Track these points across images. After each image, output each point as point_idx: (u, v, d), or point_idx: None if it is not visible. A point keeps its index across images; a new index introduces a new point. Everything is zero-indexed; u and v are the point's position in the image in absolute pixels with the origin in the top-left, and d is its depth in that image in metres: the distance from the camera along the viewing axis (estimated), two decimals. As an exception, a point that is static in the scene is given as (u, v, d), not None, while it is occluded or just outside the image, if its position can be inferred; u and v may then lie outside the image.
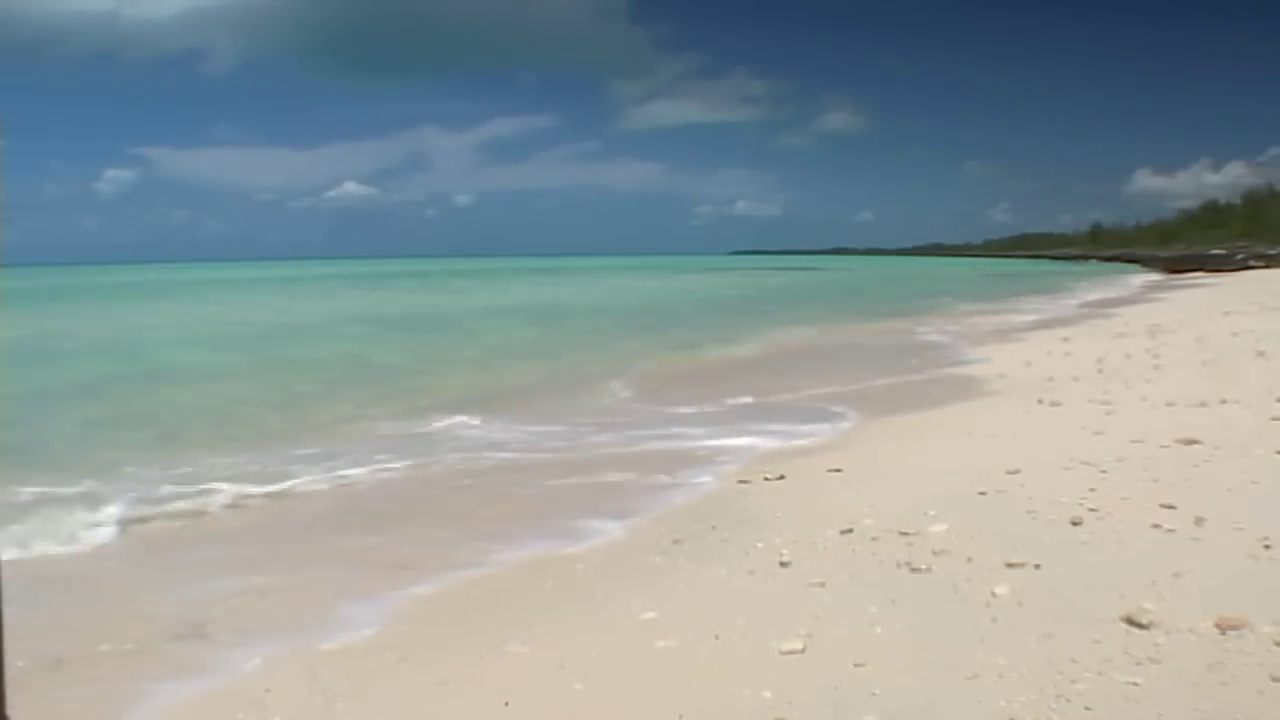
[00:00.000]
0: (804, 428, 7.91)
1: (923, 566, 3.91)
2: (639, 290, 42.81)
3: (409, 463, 7.00)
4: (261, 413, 9.66)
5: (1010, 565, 3.82)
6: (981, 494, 4.97)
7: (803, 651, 3.19)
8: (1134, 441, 5.98)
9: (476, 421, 8.63)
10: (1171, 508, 4.40)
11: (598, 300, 34.49)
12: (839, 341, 16.81)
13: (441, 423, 8.61)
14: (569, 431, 8.14)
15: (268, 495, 6.12)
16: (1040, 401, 8.20)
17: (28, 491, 6.01)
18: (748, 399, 9.69)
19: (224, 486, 6.19)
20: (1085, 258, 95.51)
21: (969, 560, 3.93)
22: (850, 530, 4.51)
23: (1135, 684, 2.76)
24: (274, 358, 15.25)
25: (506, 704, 3.00)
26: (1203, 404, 7.20)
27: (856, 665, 3.05)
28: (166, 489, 6.18)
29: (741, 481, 5.91)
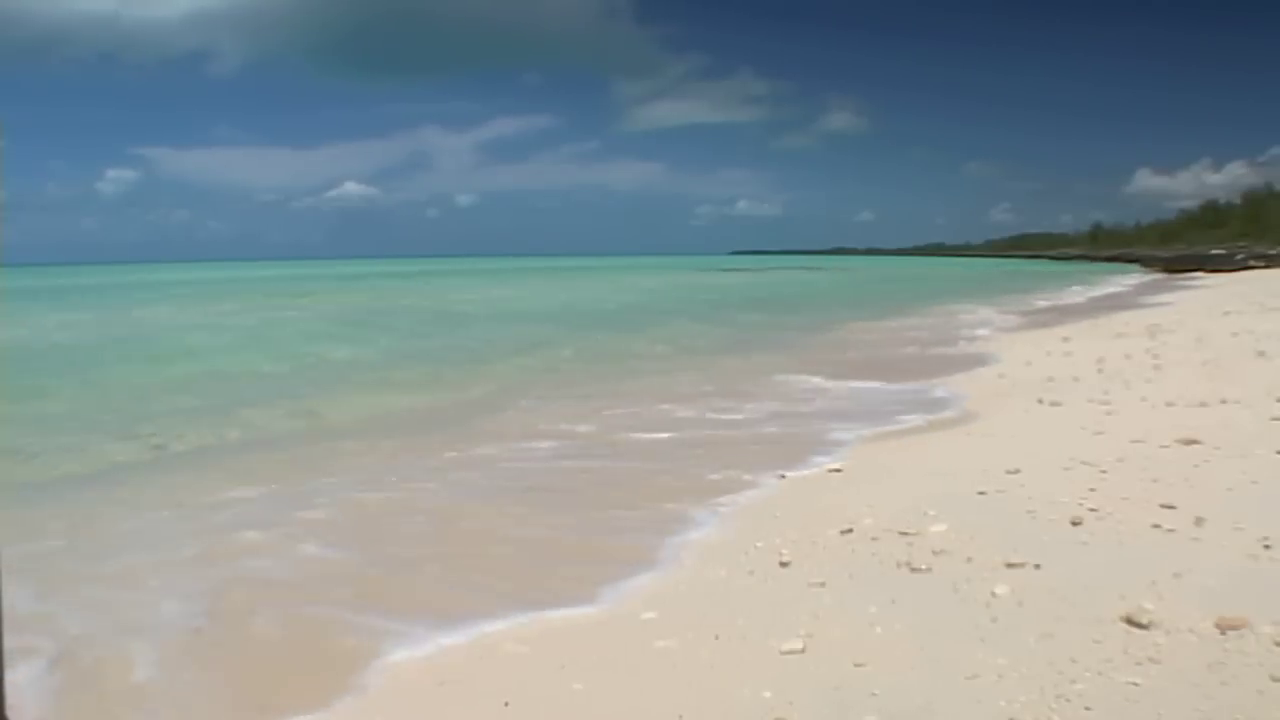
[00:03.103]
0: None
1: (923, 566, 3.91)
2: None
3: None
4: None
5: (1010, 565, 3.82)
6: (981, 494, 4.97)
7: (803, 651, 3.19)
8: (1134, 441, 5.98)
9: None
10: (1171, 508, 4.40)
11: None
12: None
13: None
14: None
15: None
16: (1040, 401, 8.19)
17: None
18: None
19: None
20: (1085, 258, 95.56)
21: (969, 560, 3.93)
22: (850, 530, 4.51)
23: (1135, 684, 2.76)
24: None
25: (506, 704, 3.00)
26: (1203, 404, 7.20)
27: (856, 665, 3.05)
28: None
29: (740, 482, 5.90)
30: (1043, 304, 25.79)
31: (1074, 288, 34.75)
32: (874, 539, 4.35)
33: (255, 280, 58.91)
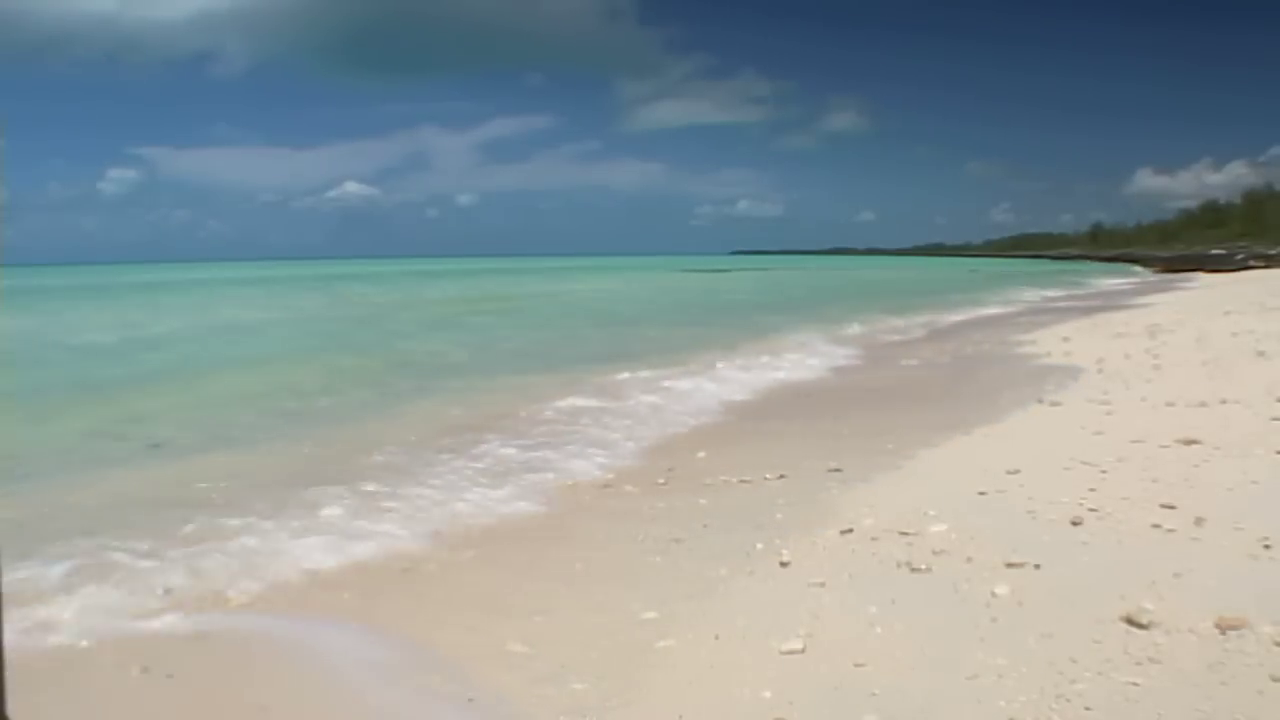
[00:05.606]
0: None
1: (923, 566, 3.91)
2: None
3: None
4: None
5: (1010, 565, 3.82)
6: (981, 494, 4.97)
7: (803, 651, 3.19)
8: (1134, 441, 5.98)
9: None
10: (1171, 508, 4.40)
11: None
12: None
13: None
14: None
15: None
16: (1040, 401, 8.20)
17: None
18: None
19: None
20: (1084, 257, 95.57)
21: (969, 560, 3.93)
22: (850, 530, 4.51)
23: (1135, 684, 2.76)
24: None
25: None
26: (1203, 404, 7.19)
27: (856, 665, 3.05)
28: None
29: (743, 481, 5.91)
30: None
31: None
32: (874, 539, 4.35)
33: (325, 278, 60.20)
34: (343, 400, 10.10)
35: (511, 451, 7.04)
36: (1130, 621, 3.15)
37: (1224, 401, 7.22)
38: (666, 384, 10.27)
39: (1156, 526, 4.17)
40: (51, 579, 4.23)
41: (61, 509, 5.59)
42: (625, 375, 10.89)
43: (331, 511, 5.38)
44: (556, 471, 6.45)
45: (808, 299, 31.53)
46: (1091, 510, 4.48)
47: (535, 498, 5.80)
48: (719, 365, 11.77)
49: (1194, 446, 5.71)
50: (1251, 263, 47.53)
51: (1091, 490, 4.85)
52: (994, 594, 3.53)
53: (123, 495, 5.95)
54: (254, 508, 5.41)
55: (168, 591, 4.16)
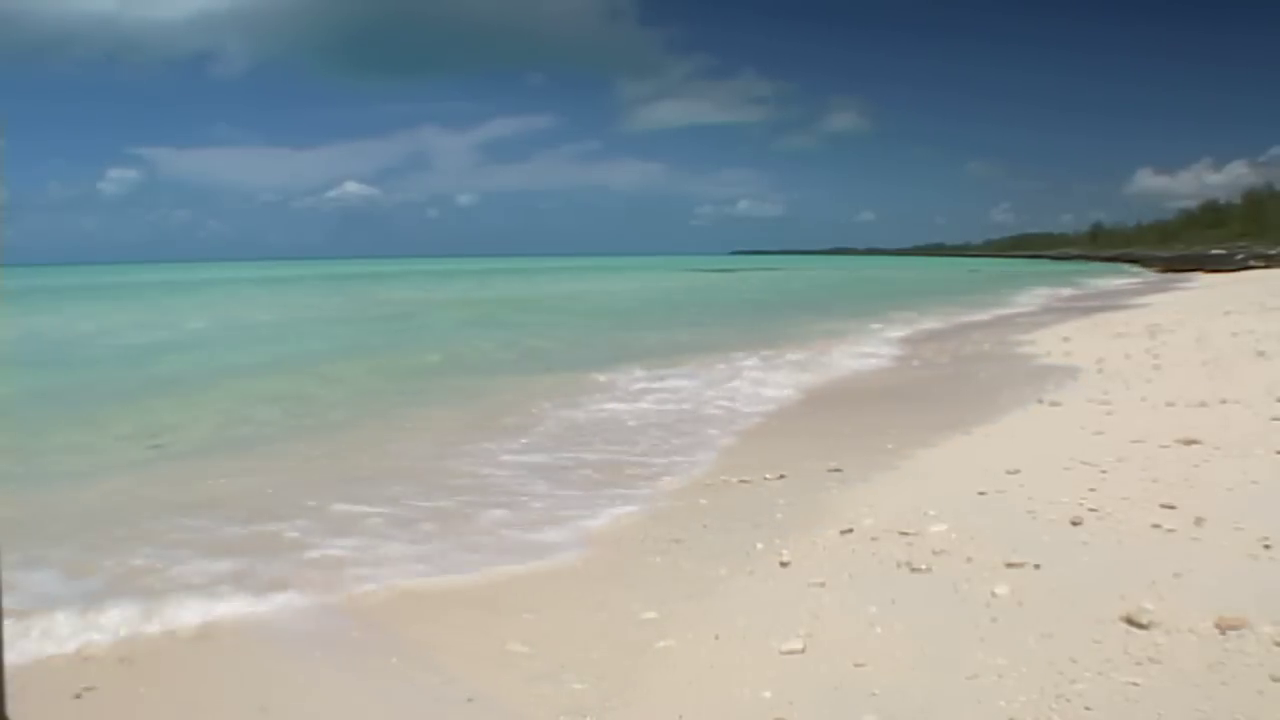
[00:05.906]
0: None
1: (923, 566, 3.91)
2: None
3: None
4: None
5: (1010, 565, 3.82)
6: (981, 494, 4.96)
7: (803, 651, 3.19)
8: (1134, 441, 5.98)
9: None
10: (1171, 508, 4.40)
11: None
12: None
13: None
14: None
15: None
16: (1040, 401, 8.19)
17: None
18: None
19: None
20: (1084, 257, 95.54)
21: (969, 560, 3.93)
22: (850, 530, 4.51)
23: (1135, 684, 2.75)
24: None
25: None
26: (1203, 404, 7.19)
27: (856, 665, 3.05)
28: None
29: (743, 481, 5.91)
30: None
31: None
32: (874, 539, 4.35)
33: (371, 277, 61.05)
34: (355, 404, 10.14)
35: (518, 454, 7.05)
36: (1130, 621, 3.15)
37: (1224, 401, 7.22)
38: (673, 385, 10.40)
39: (1156, 526, 4.17)
40: (53, 578, 4.23)
41: (72, 509, 5.62)
42: (639, 373, 11.13)
43: (334, 512, 5.39)
44: (560, 472, 6.46)
45: (817, 299, 31.76)
46: (1091, 510, 4.48)
47: (537, 497, 5.80)
48: (720, 366, 11.78)
49: (1194, 446, 5.70)
50: (1251, 263, 47.51)
51: (1091, 490, 4.85)
52: (994, 594, 3.53)
53: (131, 496, 5.96)
54: (259, 510, 5.43)
55: (167, 591, 4.16)
